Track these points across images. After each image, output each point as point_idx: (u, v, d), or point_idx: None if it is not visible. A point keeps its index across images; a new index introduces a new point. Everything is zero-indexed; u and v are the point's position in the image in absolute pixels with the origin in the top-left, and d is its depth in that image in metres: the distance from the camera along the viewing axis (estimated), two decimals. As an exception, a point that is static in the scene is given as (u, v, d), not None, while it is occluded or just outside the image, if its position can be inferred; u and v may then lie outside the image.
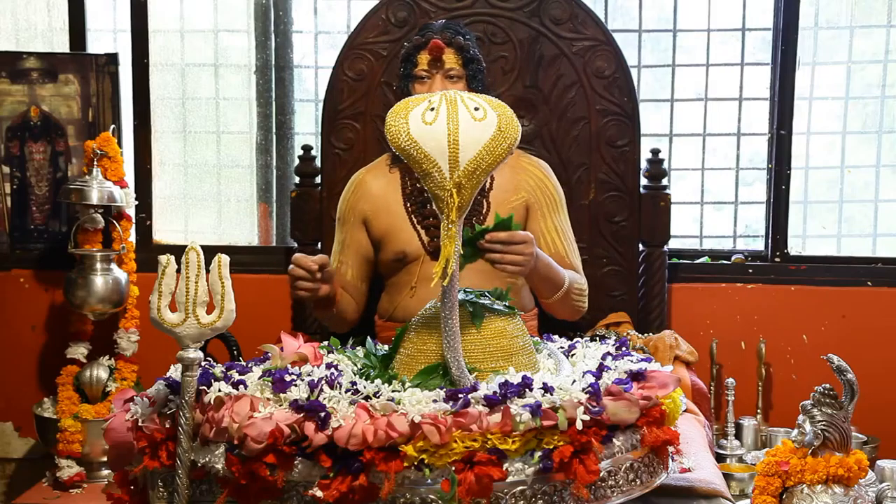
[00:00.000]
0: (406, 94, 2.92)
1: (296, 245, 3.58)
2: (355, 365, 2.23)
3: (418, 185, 2.93)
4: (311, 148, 3.55)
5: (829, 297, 3.66)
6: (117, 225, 3.53)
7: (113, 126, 3.64)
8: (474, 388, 1.89)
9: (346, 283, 3.00)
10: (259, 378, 2.02)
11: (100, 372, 3.52)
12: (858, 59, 3.80)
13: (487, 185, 2.96)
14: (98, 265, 3.47)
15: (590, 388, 1.91)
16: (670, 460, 2.11)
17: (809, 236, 3.85)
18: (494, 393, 1.87)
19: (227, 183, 3.97)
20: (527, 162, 3.07)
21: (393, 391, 1.94)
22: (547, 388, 1.89)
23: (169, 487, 1.95)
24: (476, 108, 1.98)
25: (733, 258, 3.75)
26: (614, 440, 1.93)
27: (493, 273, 2.59)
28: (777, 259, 3.73)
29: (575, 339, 2.42)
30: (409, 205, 2.95)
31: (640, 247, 3.47)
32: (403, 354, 2.14)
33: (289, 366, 2.11)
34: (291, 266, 2.66)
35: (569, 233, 3.05)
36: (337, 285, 2.83)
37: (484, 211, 2.94)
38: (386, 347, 2.30)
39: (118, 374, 3.53)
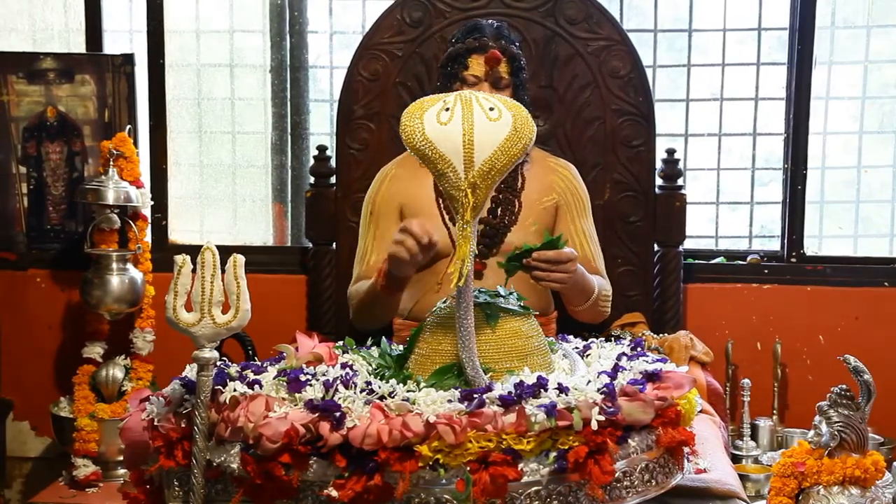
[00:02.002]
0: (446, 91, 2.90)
1: (311, 245, 3.59)
2: (370, 365, 2.23)
3: None
4: (326, 148, 3.55)
5: (845, 297, 3.65)
6: (133, 225, 3.54)
7: (129, 126, 3.65)
8: (489, 389, 1.89)
9: None
10: (274, 378, 2.02)
11: (116, 371, 3.53)
12: (875, 59, 3.79)
13: (520, 184, 2.97)
14: (114, 265, 3.48)
15: (605, 389, 1.90)
16: (686, 461, 2.11)
17: (826, 236, 3.84)
18: (509, 393, 1.86)
19: (243, 183, 3.98)
20: (555, 163, 3.09)
21: (408, 391, 1.94)
22: (562, 389, 1.89)
23: (184, 487, 1.95)
24: (491, 109, 1.97)
25: (749, 258, 3.74)
26: (629, 441, 1.93)
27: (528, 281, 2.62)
28: (793, 259, 3.72)
29: (590, 340, 2.41)
30: (440, 201, 2.94)
31: (656, 247, 3.46)
32: (418, 354, 2.14)
33: (304, 365, 2.11)
34: (410, 221, 2.62)
35: (594, 236, 3.06)
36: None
37: (516, 210, 2.95)
38: (401, 347, 2.30)
39: (134, 374, 3.54)
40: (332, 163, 3.52)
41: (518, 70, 2.94)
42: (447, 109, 1.97)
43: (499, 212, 2.95)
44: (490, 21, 3.03)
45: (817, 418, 2.25)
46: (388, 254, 2.61)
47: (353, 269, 3.06)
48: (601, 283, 2.95)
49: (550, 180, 3.01)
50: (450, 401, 1.86)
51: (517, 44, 2.99)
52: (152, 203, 3.70)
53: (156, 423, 1.98)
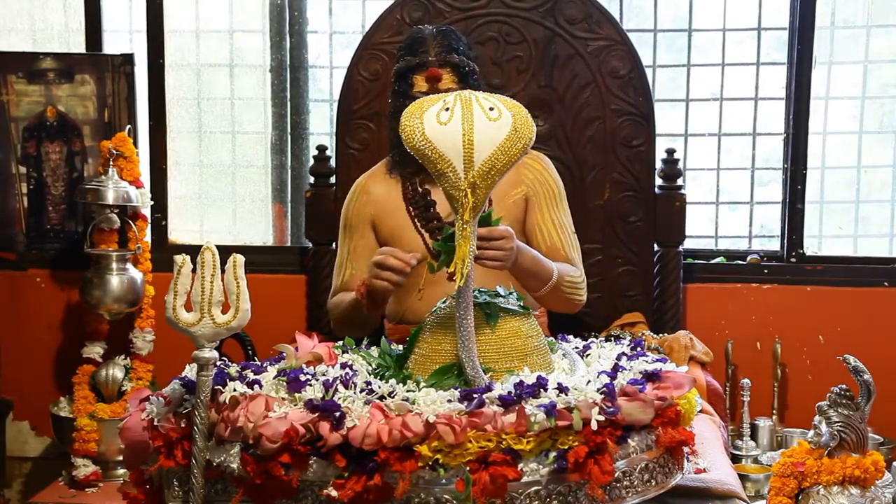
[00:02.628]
0: (400, 111, 2.87)
1: (310, 245, 3.59)
2: (370, 365, 2.23)
3: (420, 190, 2.93)
4: (326, 148, 3.55)
5: (845, 297, 3.65)
6: (133, 225, 3.54)
7: (129, 126, 3.65)
8: (489, 388, 1.89)
9: None
10: (274, 378, 2.02)
11: (115, 371, 3.53)
12: (875, 59, 3.79)
13: None
14: (114, 265, 3.48)
15: (605, 389, 1.90)
16: (685, 461, 2.11)
17: (825, 236, 3.84)
18: (509, 393, 1.87)
19: (242, 183, 3.98)
20: (527, 156, 3.03)
21: (408, 391, 1.94)
22: (562, 389, 1.89)
23: (184, 487, 1.95)
24: (491, 108, 1.98)
25: (749, 258, 3.74)
26: (629, 441, 1.93)
27: (487, 272, 2.58)
28: (793, 259, 3.72)
29: (590, 340, 2.41)
30: (411, 209, 2.93)
31: (655, 247, 3.46)
32: (418, 354, 2.14)
33: (304, 365, 2.11)
34: (386, 256, 2.58)
35: (567, 225, 2.99)
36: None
37: (485, 207, 2.92)
38: (400, 347, 2.30)
39: (134, 374, 3.54)
40: (332, 163, 3.52)
41: (466, 76, 2.87)
42: (447, 109, 1.97)
43: None
44: (432, 28, 2.93)
45: (817, 418, 2.25)
46: (369, 287, 2.62)
47: (332, 281, 3.05)
48: (565, 269, 2.85)
49: (519, 173, 2.96)
50: (450, 401, 1.86)
51: (461, 47, 2.90)
52: (152, 203, 3.70)
53: (156, 423, 1.98)
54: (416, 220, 2.92)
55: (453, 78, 2.86)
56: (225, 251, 1.91)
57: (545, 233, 2.93)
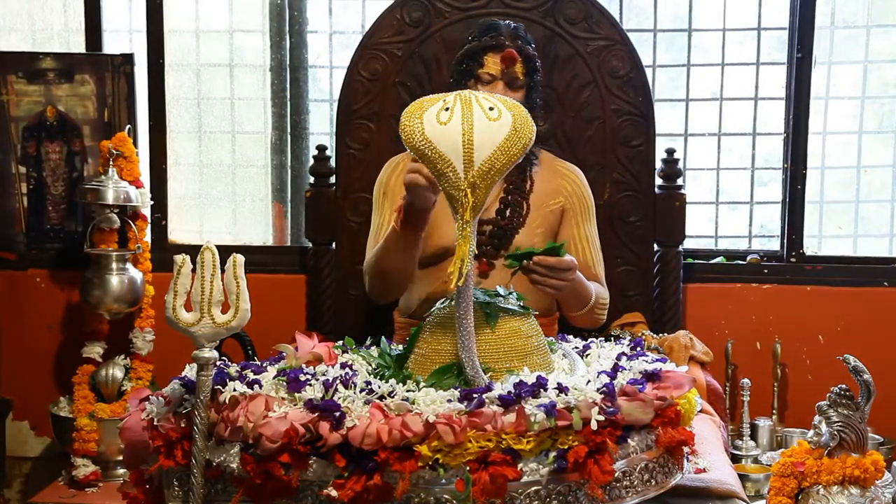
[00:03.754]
0: (461, 88, 2.89)
1: (310, 245, 3.59)
2: (370, 365, 2.23)
3: None
4: (326, 148, 3.55)
5: (845, 297, 3.65)
6: (133, 225, 3.54)
7: (128, 126, 3.65)
8: (489, 388, 1.89)
9: None
10: (274, 377, 2.02)
11: (115, 371, 3.53)
12: (875, 59, 3.79)
13: (528, 187, 2.97)
14: (114, 265, 3.48)
15: (604, 389, 1.90)
16: (685, 461, 2.11)
17: (825, 236, 3.84)
18: (509, 393, 1.87)
19: (242, 183, 3.98)
20: (562, 167, 3.09)
21: (407, 391, 1.94)
22: (562, 389, 1.89)
23: (184, 486, 1.95)
24: (491, 108, 1.97)
25: (749, 258, 3.74)
26: (629, 440, 1.93)
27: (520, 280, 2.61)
28: (793, 259, 3.72)
29: (589, 340, 2.41)
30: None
31: (655, 247, 3.46)
32: (418, 354, 2.14)
33: (303, 365, 2.11)
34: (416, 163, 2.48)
35: (597, 242, 3.07)
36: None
37: (524, 213, 2.95)
38: (400, 347, 2.31)
39: (134, 374, 3.54)
40: (332, 162, 3.52)
41: (533, 71, 2.94)
42: (447, 109, 1.97)
43: (507, 213, 2.95)
44: (508, 21, 3.02)
45: (817, 418, 2.25)
46: (405, 182, 2.53)
47: (368, 246, 2.99)
48: (599, 291, 2.95)
49: (558, 183, 3.02)
50: (449, 400, 1.86)
51: (533, 45, 2.99)
52: (152, 203, 3.70)
53: (155, 423, 1.98)
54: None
55: (523, 69, 2.90)
56: (225, 251, 1.91)
57: (579, 249, 2.99)
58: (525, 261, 2.53)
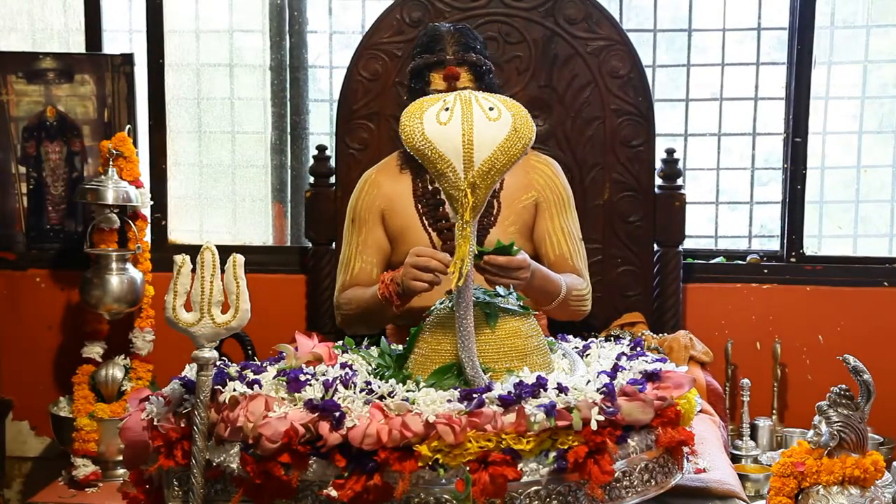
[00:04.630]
0: None
1: (310, 245, 3.59)
2: (370, 365, 2.23)
3: (430, 187, 2.91)
4: (326, 148, 3.55)
5: (844, 297, 3.65)
6: (133, 225, 3.54)
7: (128, 126, 3.65)
8: (489, 388, 1.89)
9: (371, 282, 2.89)
10: (274, 378, 2.02)
11: (115, 371, 3.53)
12: (875, 59, 3.79)
13: (498, 185, 2.94)
14: (113, 265, 3.48)
15: (604, 389, 1.90)
16: (685, 461, 2.11)
17: (825, 236, 3.84)
18: (509, 393, 1.86)
19: (242, 183, 3.98)
20: (536, 160, 3.02)
21: (407, 391, 1.94)
22: (561, 389, 1.89)
23: (184, 486, 1.95)
24: (491, 108, 1.97)
25: (748, 258, 3.74)
26: (629, 440, 1.93)
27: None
28: (792, 259, 3.72)
29: (589, 340, 2.41)
30: (420, 206, 2.92)
31: (655, 247, 3.46)
32: (418, 354, 2.14)
33: (303, 365, 2.11)
34: (427, 259, 2.54)
35: (575, 233, 3.00)
36: None
37: (495, 212, 2.91)
38: (400, 347, 2.31)
39: (133, 374, 3.54)
40: (332, 162, 3.52)
41: (482, 75, 2.86)
42: (447, 109, 1.97)
43: None
44: (449, 26, 2.92)
45: (817, 418, 2.25)
46: (405, 286, 2.57)
47: (338, 276, 3.02)
48: (573, 283, 2.87)
49: (530, 178, 2.97)
50: (449, 401, 1.86)
51: (478, 46, 2.89)
52: (152, 203, 3.70)
53: (155, 423, 1.98)
54: (424, 219, 2.91)
55: (470, 77, 2.85)
56: (225, 251, 1.91)
57: (554, 242, 2.94)
58: (476, 260, 2.41)
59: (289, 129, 3.94)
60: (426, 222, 2.90)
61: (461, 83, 2.83)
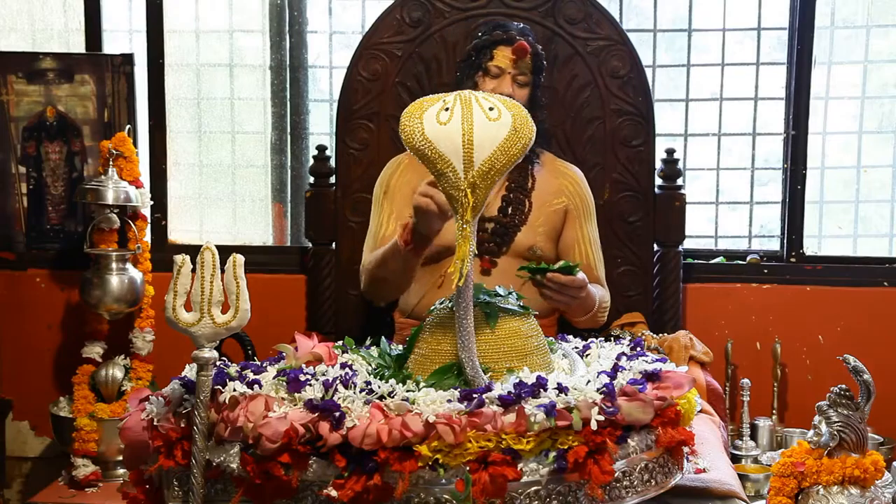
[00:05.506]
0: (467, 83, 2.94)
1: (310, 245, 3.59)
2: (370, 365, 2.23)
3: None
4: (326, 148, 3.55)
5: (844, 297, 3.65)
6: (133, 225, 3.54)
7: (128, 126, 3.65)
8: (489, 388, 1.89)
9: None
10: (274, 378, 2.02)
11: (115, 371, 3.53)
12: (875, 59, 3.79)
13: (529, 184, 2.98)
14: (113, 265, 3.48)
15: (604, 389, 1.90)
16: (685, 461, 2.11)
17: (825, 236, 3.84)
18: (509, 393, 1.87)
19: (242, 183, 3.98)
20: (563, 167, 3.11)
21: (407, 391, 1.94)
22: (561, 389, 1.89)
23: (184, 486, 1.95)
24: (490, 108, 1.98)
25: (748, 258, 3.74)
26: (629, 440, 1.93)
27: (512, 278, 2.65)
28: (792, 259, 3.72)
29: (589, 340, 2.41)
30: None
31: (655, 247, 3.46)
32: (418, 354, 2.14)
33: (303, 365, 2.11)
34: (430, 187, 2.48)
35: (597, 242, 3.09)
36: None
37: (526, 210, 2.96)
38: (400, 347, 2.31)
39: (133, 374, 3.54)
40: (332, 162, 3.52)
41: (539, 69, 2.98)
42: (447, 109, 1.97)
43: (509, 210, 2.95)
44: (516, 22, 3.08)
45: (817, 418, 2.25)
46: (415, 206, 2.51)
47: (365, 245, 3.01)
48: (601, 295, 2.97)
49: (560, 183, 3.03)
50: (449, 401, 1.86)
51: (540, 47, 3.03)
52: (152, 203, 3.70)
53: (155, 423, 1.98)
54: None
55: (530, 66, 2.93)
56: (225, 251, 1.91)
57: (582, 251, 3.01)
58: (538, 275, 2.55)
59: (289, 129, 3.94)
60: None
61: (524, 63, 2.92)
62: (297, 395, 1.92)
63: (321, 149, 3.54)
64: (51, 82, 3.78)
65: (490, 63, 2.91)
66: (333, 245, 3.52)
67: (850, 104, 3.80)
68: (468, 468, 1.81)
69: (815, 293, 3.66)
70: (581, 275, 2.61)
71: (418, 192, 2.51)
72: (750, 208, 3.85)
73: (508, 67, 2.91)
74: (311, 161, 3.58)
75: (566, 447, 1.84)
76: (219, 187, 3.98)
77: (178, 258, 1.92)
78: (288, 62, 3.91)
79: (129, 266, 3.52)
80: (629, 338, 3.09)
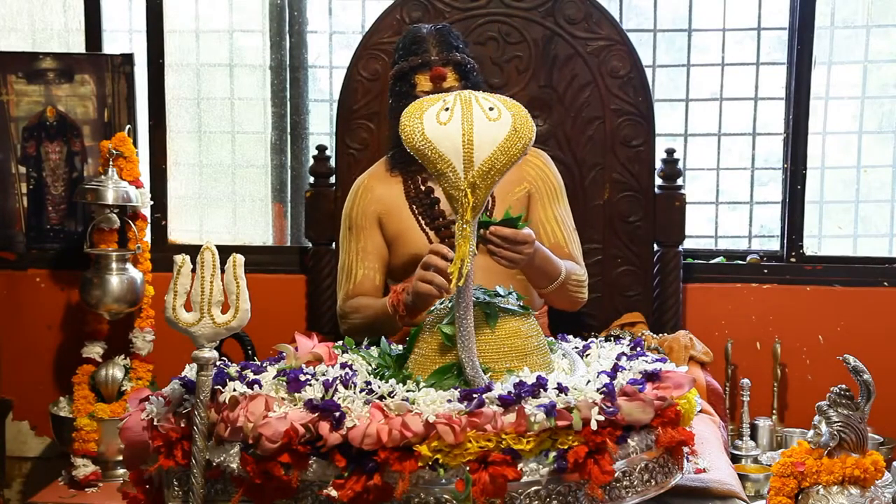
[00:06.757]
0: (401, 112, 2.87)
1: (310, 245, 3.59)
2: (370, 365, 2.23)
3: (422, 188, 2.92)
4: (326, 148, 3.55)
5: (844, 297, 3.65)
6: (133, 225, 3.54)
7: (128, 126, 3.65)
8: (489, 388, 1.89)
9: (375, 288, 2.93)
10: (274, 378, 2.03)
11: (115, 371, 3.53)
12: (875, 59, 3.79)
13: None
14: (113, 265, 3.48)
15: (604, 389, 1.90)
16: (685, 461, 2.11)
17: (825, 236, 3.84)
18: (509, 393, 1.87)
19: (242, 183, 3.98)
20: (528, 153, 3.03)
21: (407, 391, 1.94)
22: (561, 389, 1.89)
23: (184, 486, 1.95)
24: (491, 108, 1.98)
25: (748, 258, 3.74)
26: (629, 440, 1.93)
27: (495, 269, 2.61)
28: (792, 259, 3.72)
29: (589, 340, 2.41)
30: (415, 208, 2.93)
31: (655, 247, 3.46)
32: (418, 354, 2.14)
33: (303, 365, 2.11)
34: (435, 256, 2.50)
35: (568, 222, 3.01)
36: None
37: (489, 206, 2.93)
38: (400, 347, 2.31)
39: (133, 374, 3.54)
40: (332, 162, 3.52)
41: (466, 74, 2.87)
42: (447, 109, 1.97)
43: None
44: (430, 27, 2.93)
45: (817, 418, 2.25)
46: (416, 292, 2.53)
47: (340, 286, 3.01)
48: (571, 267, 2.87)
49: (521, 170, 2.96)
50: (449, 401, 1.86)
51: (460, 45, 2.90)
52: (152, 203, 3.70)
53: (155, 423, 1.98)
54: (420, 219, 2.91)
55: (456, 76, 2.85)
56: (225, 251, 1.91)
57: (549, 230, 2.94)
58: (481, 230, 2.43)
59: (289, 129, 3.94)
60: (423, 222, 2.90)
61: (447, 83, 2.83)
62: (297, 395, 1.92)
63: (321, 149, 3.54)
64: (51, 82, 3.78)
65: (416, 91, 2.82)
66: (333, 245, 3.52)
67: (850, 104, 3.80)
68: (468, 468, 1.81)
69: (815, 293, 3.66)
70: (527, 230, 2.53)
71: (418, 276, 2.52)
72: (750, 208, 3.85)
73: (433, 90, 2.79)
74: (311, 161, 3.58)
75: (566, 447, 1.84)
76: (219, 187, 3.98)
77: (178, 258, 1.92)
78: (288, 62, 3.91)
79: (129, 266, 3.52)
80: (629, 338, 3.09)
